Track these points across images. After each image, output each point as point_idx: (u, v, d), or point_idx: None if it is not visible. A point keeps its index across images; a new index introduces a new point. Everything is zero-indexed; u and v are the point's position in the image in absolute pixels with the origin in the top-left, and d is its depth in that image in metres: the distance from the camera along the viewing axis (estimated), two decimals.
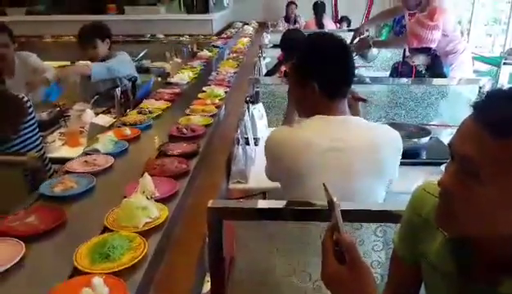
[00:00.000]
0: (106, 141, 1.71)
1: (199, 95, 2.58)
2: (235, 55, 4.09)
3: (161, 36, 5.59)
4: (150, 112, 2.21)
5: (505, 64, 4.62)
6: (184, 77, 3.03)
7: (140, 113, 2.21)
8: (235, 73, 3.27)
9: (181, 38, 5.49)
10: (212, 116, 2.17)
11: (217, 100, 2.48)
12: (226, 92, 2.68)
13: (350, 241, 0.79)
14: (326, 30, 5.79)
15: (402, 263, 0.99)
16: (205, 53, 4.12)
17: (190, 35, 5.61)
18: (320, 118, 1.46)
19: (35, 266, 0.99)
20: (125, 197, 1.23)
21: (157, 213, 1.20)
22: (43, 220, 1.14)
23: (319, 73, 1.48)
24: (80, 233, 1.10)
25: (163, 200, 1.29)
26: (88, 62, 2.98)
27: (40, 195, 1.31)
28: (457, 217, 0.74)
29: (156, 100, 2.47)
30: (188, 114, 2.22)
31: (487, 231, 0.73)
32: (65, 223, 1.16)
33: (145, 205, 1.18)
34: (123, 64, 3.14)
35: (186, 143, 1.77)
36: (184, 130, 1.91)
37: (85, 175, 1.45)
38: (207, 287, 1.35)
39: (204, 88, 2.71)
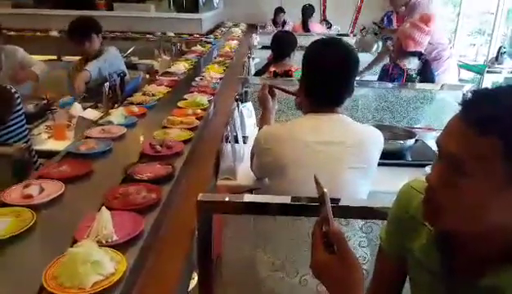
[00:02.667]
0: (118, 115, 2.02)
1: (180, 104, 2.24)
2: (221, 58, 3.80)
3: (149, 34, 5.56)
4: (153, 95, 2.49)
5: (488, 72, 4.72)
6: (180, 67, 3.31)
7: (144, 95, 2.49)
8: (220, 79, 2.98)
9: (169, 36, 5.47)
10: (192, 129, 1.85)
11: (199, 110, 2.14)
12: (209, 101, 2.34)
13: (339, 232, 0.81)
14: (313, 33, 5.85)
15: (388, 259, 1.01)
16: (199, 48, 4.37)
17: (178, 34, 5.59)
18: (309, 116, 1.52)
19: (72, 200, 1.28)
20: (75, 241, 0.99)
21: (112, 268, 0.93)
22: (75, 169, 1.44)
23: (307, 81, 1.54)
24: (103, 182, 1.40)
25: (123, 245, 1.02)
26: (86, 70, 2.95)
27: (68, 153, 1.60)
28: (444, 212, 0.75)
29: (157, 85, 2.71)
30: (165, 127, 1.89)
31: (472, 226, 0.75)
32: (91, 172, 1.46)
33: (96, 259, 0.90)
34: (115, 61, 3.14)
35: (160, 163, 1.49)
36: (158, 147, 1.60)
37: (103, 139, 1.74)
38: (193, 283, 1.36)
39: (185, 96, 2.38)
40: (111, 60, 3.08)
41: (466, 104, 0.73)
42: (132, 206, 1.20)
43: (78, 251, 0.91)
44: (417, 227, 0.91)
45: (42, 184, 1.28)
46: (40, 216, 1.13)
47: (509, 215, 0.71)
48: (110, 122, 1.95)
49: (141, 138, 1.86)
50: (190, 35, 5.60)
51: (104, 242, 1.01)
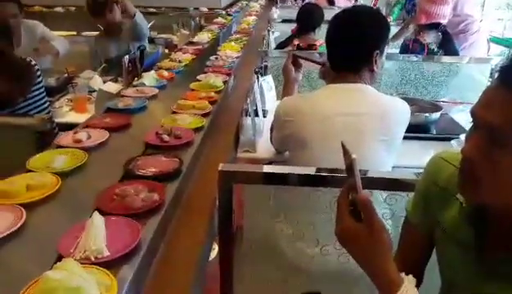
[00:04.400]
0: (150, 78, 2.17)
1: (192, 85, 2.06)
2: (238, 36, 3.63)
3: (168, 8, 5.52)
4: (179, 61, 2.61)
5: None
6: (204, 37, 3.45)
7: (171, 61, 2.61)
8: (237, 57, 2.78)
9: (188, 11, 5.42)
10: (204, 115, 1.67)
11: (212, 93, 1.95)
12: (225, 82, 2.16)
13: (367, 199, 0.78)
14: (336, 7, 5.70)
15: (414, 231, 0.99)
16: (220, 20, 4.42)
17: (197, 8, 5.53)
18: (331, 86, 1.49)
19: (115, 145, 1.43)
20: (59, 258, 0.82)
21: None
22: (116, 121, 1.59)
23: (328, 45, 1.52)
24: (140, 132, 1.51)
25: (115, 263, 0.84)
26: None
27: (108, 109, 1.76)
28: (481, 186, 0.72)
29: (183, 53, 2.81)
30: (174, 112, 1.72)
31: (509, 200, 0.72)
32: (129, 124, 1.60)
33: (77, 285, 0.71)
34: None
35: (166, 156, 1.30)
36: (165, 136, 1.43)
37: (138, 98, 1.88)
38: (213, 254, 1.36)
39: (198, 77, 2.21)
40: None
41: (505, 69, 0.69)
42: (130, 210, 1.00)
43: (54, 278, 0.72)
44: (448, 199, 0.88)
45: (89, 132, 1.46)
46: (90, 156, 1.29)
47: None
48: (143, 84, 2.13)
49: (170, 100, 1.91)
50: (210, 9, 5.53)
51: (93, 258, 0.83)
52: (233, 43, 3.22)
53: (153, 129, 1.47)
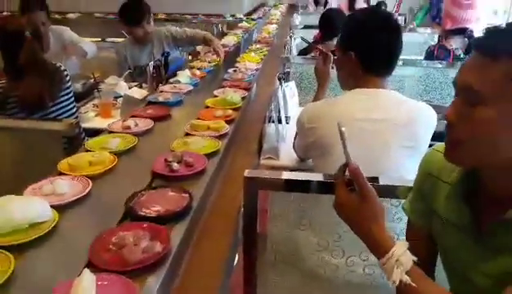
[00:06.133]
0: (185, 76, 2.42)
1: (208, 102, 1.94)
2: (258, 45, 3.60)
3: (191, 16, 5.59)
4: (209, 62, 2.86)
5: None
6: (230, 40, 3.73)
7: (201, 61, 2.90)
8: (257, 69, 2.70)
9: (211, 19, 5.49)
10: (220, 137, 1.55)
11: (230, 111, 1.81)
12: (243, 98, 2.03)
13: (356, 167, 0.86)
14: None
15: (416, 229, 1.01)
16: (245, 24, 4.66)
17: (219, 15, 5.59)
18: (355, 91, 1.47)
19: (159, 132, 1.66)
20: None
21: None
22: (158, 112, 1.81)
23: (358, 44, 1.47)
24: (179, 123, 1.74)
25: None
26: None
27: (148, 102, 2.02)
28: (463, 146, 0.78)
29: (212, 54, 3.04)
30: (187, 134, 1.58)
31: (491, 158, 0.78)
32: (169, 116, 1.83)
33: None
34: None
35: (174, 190, 1.16)
36: (175, 165, 1.28)
37: (175, 93, 2.14)
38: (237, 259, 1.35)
39: (215, 92, 2.12)
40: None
41: (479, 39, 0.80)
42: (127, 266, 0.86)
43: None
44: (441, 186, 0.92)
45: (135, 120, 1.68)
46: (139, 140, 1.50)
47: None
48: (178, 81, 2.35)
49: (202, 97, 2.07)
50: (232, 16, 5.58)
51: None
52: (253, 54, 3.14)
53: (161, 154, 1.36)
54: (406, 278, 0.79)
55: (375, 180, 1.17)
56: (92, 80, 2.63)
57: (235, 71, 2.60)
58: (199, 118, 1.73)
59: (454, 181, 0.88)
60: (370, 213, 0.85)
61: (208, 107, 1.90)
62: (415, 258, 0.82)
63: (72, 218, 1.07)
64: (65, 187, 1.16)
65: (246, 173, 1.17)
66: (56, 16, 5.19)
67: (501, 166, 0.78)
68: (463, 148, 0.79)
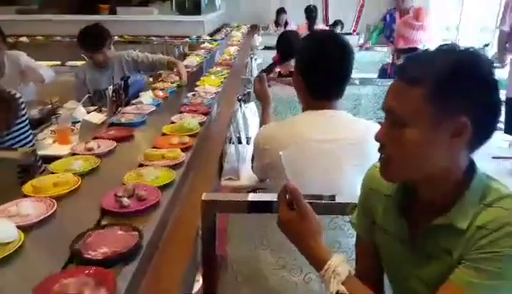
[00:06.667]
0: (147, 97, 2.47)
1: (164, 129, 1.88)
2: (219, 68, 3.49)
3: (153, 37, 5.59)
4: (172, 82, 2.89)
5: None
6: (193, 60, 3.73)
7: (164, 82, 2.92)
8: (217, 93, 2.64)
9: (172, 40, 5.50)
10: (175, 166, 1.49)
11: (187, 139, 1.74)
12: (202, 124, 1.98)
13: (294, 188, 0.95)
14: None
15: (363, 242, 1.06)
16: (207, 45, 4.67)
17: (181, 36, 5.61)
18: (308, 113, 1.52)
19: (122, 152, 1.71)
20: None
21: None
22: (120, 134, 1.87)
23: (305, 73, 1.52)
24: (142, 142, 1.81)
25: None
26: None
27: (111, 123, 2.06)
28: (393, 164, 0.87)
29: (175, 75, 3.03)
30: (140, 165, 1.51)
31: (418, 172, 0.86)
32: (132, 136, 1.88)
33: None
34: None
35: (123, 228, 1.09)
36: (125, 200, 1.20)
37: (138, 114, 2.18)
38: (197, 286, 1.36)
39: (173, 118, 2.06)
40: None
41: (399, 66, 0.88)
42: None
43: None
44: (381, 199, 0.99)
45: (98, 142, 1.72)
46: (101, 162, 1.55)
47: (446, 157, 0.83)
48: (141, 102, 2.40)
49: (164, 117, 2.14)
50: (199, 38, 5.61)
51: None
52: (213, 77, 3.09)
53: (111, 189, 1.29)
54: (343, 289, 0.84)
55: (332, 198, 1.22)
56: (49, 106, 2.58)
57: (194, 95, 2.55)
58: (154, 147, 1.68)
59: (391, 194, 0.95)
60: (309, 230, 0.93)
61: (164, 134, 1.85)
62: (352, 269, 0.88)
63: (37, 238, 1.10)
64: (30, 208, 1.19)
65: (204, 196, 1.19)
66: (10, 40, 5.09)
67: (429, 179, 0.86)
68: (393, 166, 0.87)
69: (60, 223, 1.17)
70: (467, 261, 0.80)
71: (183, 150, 1.62)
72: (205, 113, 2.17)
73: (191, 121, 1.94)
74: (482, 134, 0.84)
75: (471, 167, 0.87)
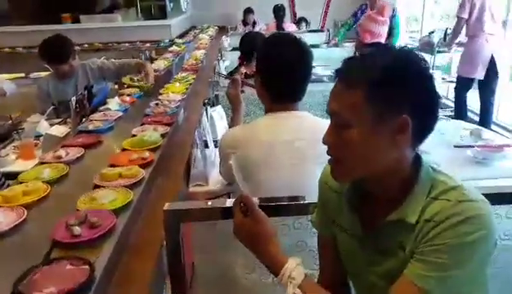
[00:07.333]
0: (115, 103, 2.49)
1: (124, 145, 1.75)
2: (184, 74, 3.34)
3: (118, 44, 5.50)
4: (138, 87, 2.88)
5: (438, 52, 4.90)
6: (160, 64, 3.73)
7: (129, 87, 2.92)
8: (182, 100, 2.51)
9: (138, 45, 5.43)
10: (134, 185, 1.39)
11: (147, 153, 1.62)
12: (164, 135, 1.87)
13: (247, 195, 0.99)
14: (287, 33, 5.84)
15: (325, 240, 1.07)
16: (175, 48, 4.64)
17: (147, 41, 5.55)
18: (270, 115, 1.52)
19: (90, 158, 1.74)
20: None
21: None
22: (87, 141, 1.90)
23: (266, 77, 1.52)
24: (110, 148, 1.84)
25: None
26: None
27: (79, 131, 2.08)
28: (341, 164, 0.88)
29: (142, 77, 3.01)
30: (97, 186, 1.40)
31: (365, 170, 0.87)
32: (100, 142, 1.91)
33: None
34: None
35: (73, 262, 0.99)
36: (76, 229, 1.10)
37: (105, 121, 2.21)
38: None
39: (133, 131, 1.96)
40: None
41: (338, 70, 0.89)
42: None
43: None
44: (334, 195, 1.01)
45: (66, 149, 1.75)
46: (70, 169, 1.58)
47: (392, 154, 0.84)
48: (108, 109, 2.41)
49: (132, 121, 2.19)
50: (171, 41, 5.55)
51: None
52: (178, 84, 2.93)
53: (63, 218, 1.17)
54: (298, 292, 0.86)
55: (297, 199, 1.22)
56: (9, 121, 2.51)
57: (157, 104, 2.41)
58: (111, 165, 1.55)
59: (343, 191, 0.97)
60: (263, 234, 0.94)
61: (125, 149, 1.73)
62: (308, 271, 0.89)
63: (6, 246, 1.13)
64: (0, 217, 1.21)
65: (166, 206, 1.17)
66: None
67: (378, 177, 0.88)
68: (341, 167, 0.89)
69: (30, 230, 1.20)
70: (417, 255, 0.82)
71: (143, 166, 1.53)
72: (169, 124, 2.05)
73: (153, 134, 1.84)
74: (424, 128, 0.86)
75: (417, 160, 0.89)
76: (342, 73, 0.87)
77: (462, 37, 4.41)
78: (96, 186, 1.41)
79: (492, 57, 4.00)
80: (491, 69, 4.02)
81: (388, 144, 0.83)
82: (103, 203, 1.27)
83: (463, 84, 4.23)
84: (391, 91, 0.81)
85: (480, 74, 4.02)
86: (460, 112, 4.32)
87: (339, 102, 0.85)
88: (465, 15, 4.07)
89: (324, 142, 0.89)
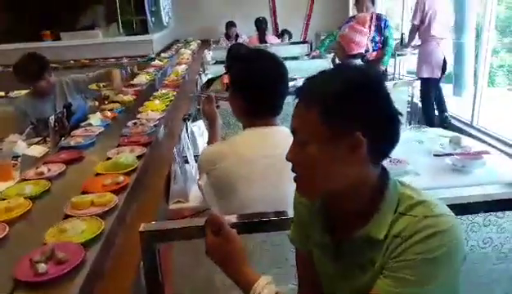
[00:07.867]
0: (96, 119, 2.50)
1: (98, 168, 1.70)
2: (164, 90, 3.23)
3: (99, 60, 5.47)
4: (119, 102, 2.89)
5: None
6: (142, 79, 3.72)
7: (112, 102, 2.95)
8: (161, 119, 2.46)
9: (120, 61, 5.40)
10: (106, 213, 1.34)
11: (121, 178, 1.57)
12: (140, 157, 1.81)
13: (216, 215, 1.01)
14: (269, 45, 5.86)
15: (302, 255, 1.07)
16: (157, 63, 4.65)
17: (129, 57, 5.53)
18: (250, 130, 1.51)
19: (71, 173, 1.76)
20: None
21: None
22: (69, 156, 1.92)
23: (244, 93, 1.52)
24: (91, 164, 1.83)
25: None
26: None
27: (61, 147, 2.11)
28: (303, 181, 0.90)
29: (124, 95, 3.04)
30: (66, 216, 1.32)
31: (327, 185, 0.87)
32: (82, 157, 1.94)
33: None
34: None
35: None
36: (42, 266, 1.02)
37: (86, 136, 2.23)
38: None
39: (109, 153, 1.88)
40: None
41: (299, 89, 0.90)
42: None
43: None
44: (308, 211, 1.01)
45: (48, 166, 1.77)
46: (52, 184, 1.61)
47: (351, 171, 0.85)
48: (90, 124, 2.42)
49: (112, 136, 2.21)
50: (142, 57, 5.54)
51: None
52: (157, 101, 2.84)
53: (28, 253, 1.09)
54: None
55: (283, 214, 1.20)
56: None
57: (135, 124, 2.33)
58: (83, 192, 1.49)
59: (316, 207, 0.97)
60: (233, 255, 0.95)
61: (99, 174, 1.66)
62: (279, 289, 0.89)
63: None
64: None
65: (141, 228, 1.15)
66: None
67: (342, 193, 0.88)
68: (304, 183, 0.90)
69: (13, 244, 1.23)
70: (386, 271, 0.82)
71: (118, 191, 1.48)
72: (146, 144, 1.98)
73: (128, 156, 1.77)
74: (382, 144, 0.86)
75: (384, 175, 0.89)
76: (301, 92, 0.89)
77: (417, 41, 4.97)
78: (67, 216, 1.33)
79: (444, 59, 4.58)
80: (442, 70, 4.62)
81: (346, 161, 0.84)
82: (72, 236, 1.19)
83: (427, 85, 4.64)
84: (343, 109, 0.83)
85: (437, 74, 4.57)
86: (429, 114, 4.67)
87: (299, 120, 0.88)
88: (417, 22, 4.63)
89: (287, 159, 0.90)
